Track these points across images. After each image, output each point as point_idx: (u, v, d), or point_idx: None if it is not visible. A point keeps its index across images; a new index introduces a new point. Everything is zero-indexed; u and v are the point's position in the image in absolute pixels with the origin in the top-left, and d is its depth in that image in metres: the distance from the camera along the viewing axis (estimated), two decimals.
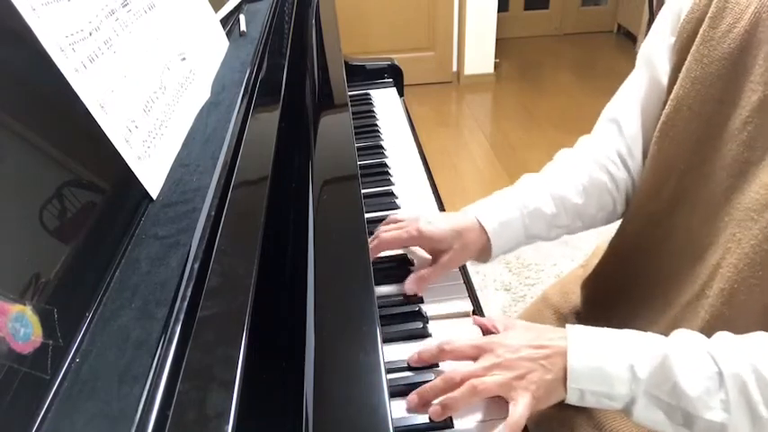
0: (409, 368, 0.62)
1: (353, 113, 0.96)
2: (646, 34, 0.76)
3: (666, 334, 0.58)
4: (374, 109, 1.24)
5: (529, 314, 0.97)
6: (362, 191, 0.69)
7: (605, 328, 0.59)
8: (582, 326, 0.60)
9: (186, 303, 0.42)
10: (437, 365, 0.62)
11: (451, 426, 0.57)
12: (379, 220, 0.79)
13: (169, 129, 0.59)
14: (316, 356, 0.48)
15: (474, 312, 0.72)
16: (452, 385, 0.57)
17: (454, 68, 3.39)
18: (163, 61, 0.63)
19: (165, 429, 0.34)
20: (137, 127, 0.53)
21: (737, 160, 0.61)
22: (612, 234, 0.83)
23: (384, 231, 0.74)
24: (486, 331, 0.67)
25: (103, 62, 0.51)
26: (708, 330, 0.58)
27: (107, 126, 0.49)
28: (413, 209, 0.90)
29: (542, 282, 1.93)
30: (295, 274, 0.55)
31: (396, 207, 0.91)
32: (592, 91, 3.21)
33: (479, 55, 3.32)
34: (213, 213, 0.51)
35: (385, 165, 1.02)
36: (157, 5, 0.66)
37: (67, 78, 0.46)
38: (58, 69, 0.45)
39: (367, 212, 0.73)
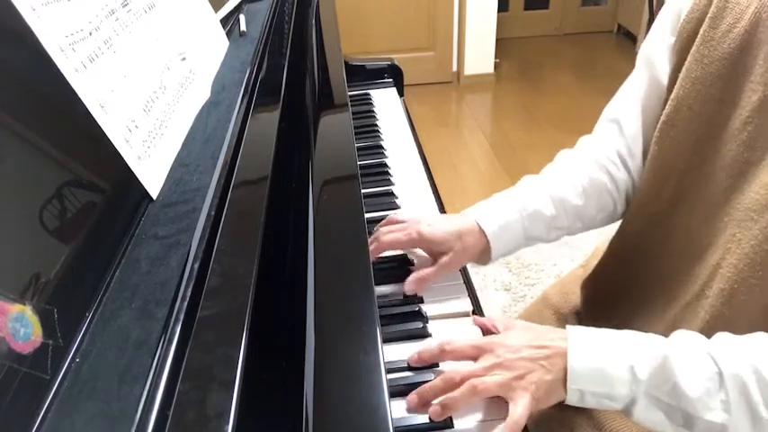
0: (409, 368, 0.62)
1: (353, 113, 0.96)
2: (646, 34, 0.76)
3: (666, 334, 0.58)
4: (374, 109, 1.24)
5: (529, 314, 0.97)
6: (362, 191, 0.69)
7: (605, 329, 0.59)
8: (582, 327, 0.60)
9: (186, 303, 0.42)
10: (437, 365, 0.62)
11: (451, 426, 0.57)
12: (379, 220, 0.79)
13: (169, 129, 0.59)
14: (316, 356, 0.48)
15: (474, 312, 0.72)
16: (452, 385, 0.57)
17: (454, 68, 3.39)
18: (163, 61, 0.63)
19: (165, 429, 0.34)
20: (137, 127, 0.53)
21: (737, 160, 0.61)
22: (612, 234, 0.83)
23: (384, 233, 0.74)
24: (486, 331, 0.67)
25: (103, 62, 0.51)
26: (708, 330, 0.58)
27: (107, 126, 0.49)
28: (413, 209, 0.90)
29: (542, 282, 1.93)
30: (295, 274, 0.55)
31: (396, 207, 0.91)
32: (592, 91, 3.21)
33: (479, 55, 3.32)
34: (213, 213, 0.51)
35: (385, 165, 1.02)
36: (157, 5, 0.66)
37: (67, 78, 0.46)
38: (58, 69, 0.45)
39: (367, 212, 0.73)
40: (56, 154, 0.44)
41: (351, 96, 1.09)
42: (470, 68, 3.34)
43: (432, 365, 0.62)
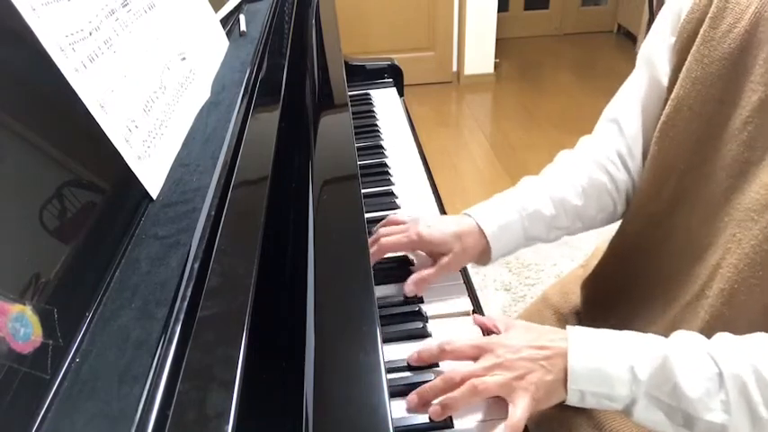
0: (409, 368, 0.62)
1: (353, 113, 0.96)
2: (646, 34, 0.76)
3: (667, 334, 0.58)
4: (374, 109, 1.24)
5: (529, 314, 0.97)
6: (362, 191, 0.69)
7: (606, 330, 0.59)
8: (582, 327, 0.60)
9: (186, 303, 0.42)
10: (437, 365, 0.62)
11: (451, 426, 0.57)
12: (379, 220, 0.79)
13: (169, 128, 0.59)
14: (316, 356, 0.48)
15: (474, 312, 0.72)
16: (452, 385, 0.57)
17: (454, 68, 3.39)
18: (163, 61, 0.63)
19: (165, 429, 0.34)
20: (137, 127, 0.53)
21: (738, 160, 0.61)
22: (612, 234, 0.83)
23: (384, 235, 0.74)
24: (486, 331, 0.67)
25: (103, 62, 0.51)
26: (708, 331, 0.58)
27: (107, 126, 0.49)
28: (413, 209, 0.90)
29: (542, 282, 1.93)
30: (295, 274, 0.55)
31: (396, 207, 0.91)
32: (592, 91, 3.21)
33: (479, 55, 3.32)
34: (213, 213, 0.51)
35: (385, 165, 1.02)
36: (157, 5, 0.66)
37: (67, 78, 0.46)
38: (58, 69, 0.45)
39: (367, 212, 0.73)
40: (56, 154, 0.44)
41: (351, 96, 1.09)
42: (470, 68, 3.34)
43: (431, 365, 0.62)
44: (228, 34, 0.88)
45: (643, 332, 0.58)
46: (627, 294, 0.79)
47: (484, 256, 0.75)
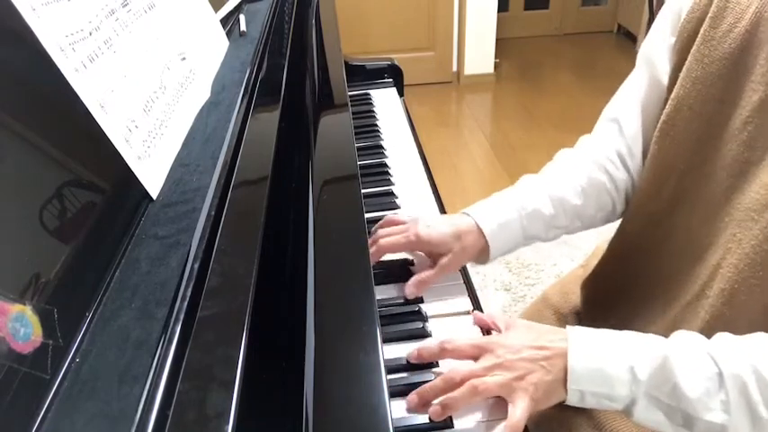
0: (409, 367, 0.62)
1: (353, 113, 0.96)
2: (646, 34, 0.76)
3: (667, 334, 0.58)
4: (374, 109, 1.24)
5: (529, 314, 0.97)
6: (362, 191, 0.69)
7: (605, 330, 0.59)
8: (582, 327, 0.60)
9: (186, 303, 0.42)
10: (436, 365, 0.62)
11: (451, 426, 0.57)
12: (379, 220, 0.79)
13: (169, 128, 0.59)
14: (316, 356, 0.48)
15: (474, 311, 0.72)
16: (452, 385, 0.57)
17: (454, 68, 3.39)
18: (163, 61, 0.63)
19: (165, 429, 0.34)
20: (137, 127, 0.53)
21: (738, 160, 0.61)
22: (612, 234, 0.83)
23: (383, 236, 0.74)
24: (486, 331, 0.67)
25: (103, 62, 0.51)
26: (708, 331, 0.58)
27: (107, 126, 0.49)
28: (413, 209, 0.90)
29: (542, 282, 1.93)
30: (295, 274, 0.55)
31: (396, 207, 0.91)
32: (592, 91, 3.21)
33: (479, 55, 3.32)
34: (213, 213, 0.51)
35: (385, 165, 1.02)
36: (157, 5, 0.66)
37: (67, 78, 0.46)
38: (58, 69, 0.45)
39: (367, 212, 0.73)
40: (56, 154, 0.44)
41: (351, 96, 1.09)
42: (470, 68, 3.34)
43: (431, 364, 0.62)
44: (228, 34, 0.88)
45: (643, 332, 0.58)
46: (627, 294, 0.79)
47: (483, 255, 0.75)
